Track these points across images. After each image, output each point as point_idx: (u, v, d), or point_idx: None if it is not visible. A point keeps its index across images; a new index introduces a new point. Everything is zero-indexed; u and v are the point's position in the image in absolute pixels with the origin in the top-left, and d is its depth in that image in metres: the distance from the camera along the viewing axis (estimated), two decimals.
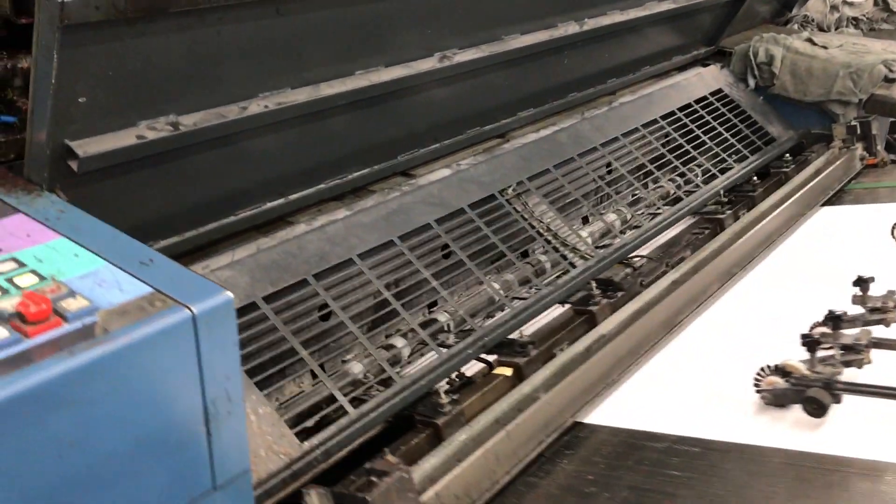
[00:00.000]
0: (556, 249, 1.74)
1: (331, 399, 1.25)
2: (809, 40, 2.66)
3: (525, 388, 1.36)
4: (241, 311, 1.30)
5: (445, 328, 1.50)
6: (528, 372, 1.41)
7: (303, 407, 1.23)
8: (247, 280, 1.34)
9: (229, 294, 0.82)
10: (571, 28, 1.90)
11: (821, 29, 3.31)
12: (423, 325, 1.45)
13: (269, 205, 1.46)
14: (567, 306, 1.64)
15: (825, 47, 2.61)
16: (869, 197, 2.18)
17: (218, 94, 1.21)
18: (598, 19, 2.00)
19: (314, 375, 1.32)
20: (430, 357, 1.41)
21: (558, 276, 1.66)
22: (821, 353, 1.25)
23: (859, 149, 2.43)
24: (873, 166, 2.40)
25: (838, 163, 2.35)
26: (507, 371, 1.43)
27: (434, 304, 1.58)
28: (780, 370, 1.23)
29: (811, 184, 2.21)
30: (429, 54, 1.57)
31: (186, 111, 1.17)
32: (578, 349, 1.46)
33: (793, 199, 2.11)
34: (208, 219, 1.37)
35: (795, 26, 3.14)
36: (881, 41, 2.76)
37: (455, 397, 1.31)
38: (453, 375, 1.39)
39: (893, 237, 1.76)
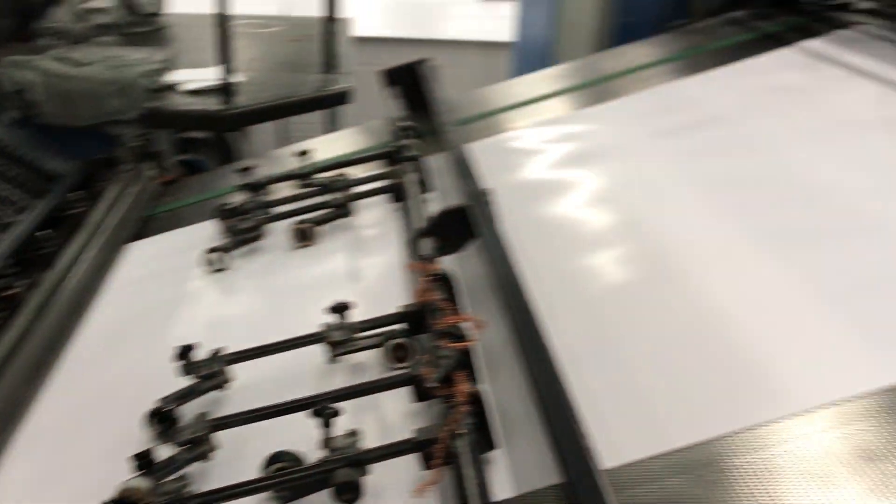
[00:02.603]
0: None
1: None
2: (64, 59, 2.41)
3: None
4: None
5: None
6: None
7: None
8: None
9: None
10: None
11: (77, 42, 3.07)
12: None
13: None
14: None
15: (84, 64, 2.39)
16: (174, 220, 2.07)
17: None
18: None
19: None
20: None
21: None
22: (171, 453, 1.06)
23: (151, 168, 2.30)
24: (170, 183, 2.31)
25: (133, 189, 2.19)
26: None
27: None
28: (125, 500, 1.00)
29: (110, 220, 2.00)
30: None
31: None
32: None
33: (92, 245, 1.87)
34: None
35: (47, 42, 2.85)
36: (142, 50, 2.67)
37: None
38: None
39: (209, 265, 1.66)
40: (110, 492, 1.02)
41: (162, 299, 1.63)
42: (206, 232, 1.82)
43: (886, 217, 1.37)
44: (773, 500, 0.86)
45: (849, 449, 0.91)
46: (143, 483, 1.02)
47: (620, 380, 1.09)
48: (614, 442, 0.96)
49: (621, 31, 2.59)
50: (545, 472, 0.94)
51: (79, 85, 2.28)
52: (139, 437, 1.15)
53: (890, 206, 1.39)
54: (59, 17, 3.11)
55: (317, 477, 0.98)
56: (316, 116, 3.27)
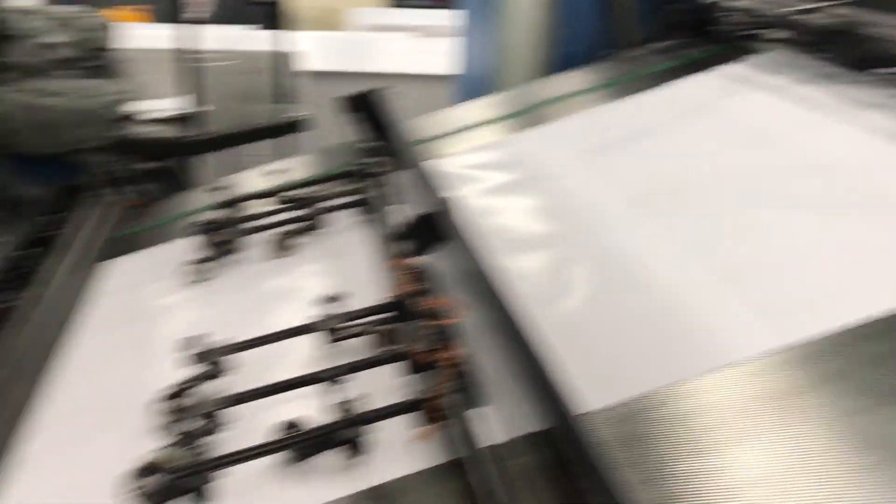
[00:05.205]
0: None
1: None
2: (38, 90, 2.50)
3: None
4: None
5: None
6: None
7: None
8: None
9: None
10: None
11: (34, 75, 3.14)
12: None
13: None
14: None
15: (58, 94, 2.49)
16: (145, 240, 2.17)
17: None
18: None
19: None
20: None
21: None
22: (183, 430, 1.18)
23: (120, 193, 2.41)
24: (137, 207, 2.41)
25: (102, 213, 2.29)
26: None
27: None
28: (153, 467, 1.12)
29: (81, 241, 2.10)
30: None
31: None
32: None
33: (67, 264, 1.96)
34: None
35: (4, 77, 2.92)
36: (100, 82, 2.77)
37: None
38: None
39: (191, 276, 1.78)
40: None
41: (146, 309, 1.74)
42: (181, 248, 1.93)
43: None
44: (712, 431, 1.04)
45: (770, 392, 1.09)
46: (167, 452, 1.14)
47: (584, 347, 1.27)
48: (582, 393, 1.13)
49: (558, 62, 2.81)
50: (528, 421, 1.09)
51: (53, 115, 2.38)
52: (141, 434, 1.26)
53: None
54: (15, 52, 3.19)
55: (323, 437, 1.11)
56: (264, 146, 3.40)
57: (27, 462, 1.32)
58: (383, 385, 1.24)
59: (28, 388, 1.52)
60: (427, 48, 5.26)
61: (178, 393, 1.27)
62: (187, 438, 1.17)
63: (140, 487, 1.11)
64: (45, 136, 2.38)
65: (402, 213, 1.86)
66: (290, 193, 1.97)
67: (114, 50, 3.58)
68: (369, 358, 1.24)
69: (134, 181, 2.47)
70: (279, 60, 3.43)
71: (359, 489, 1.11)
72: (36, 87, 2.56)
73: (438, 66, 4.55)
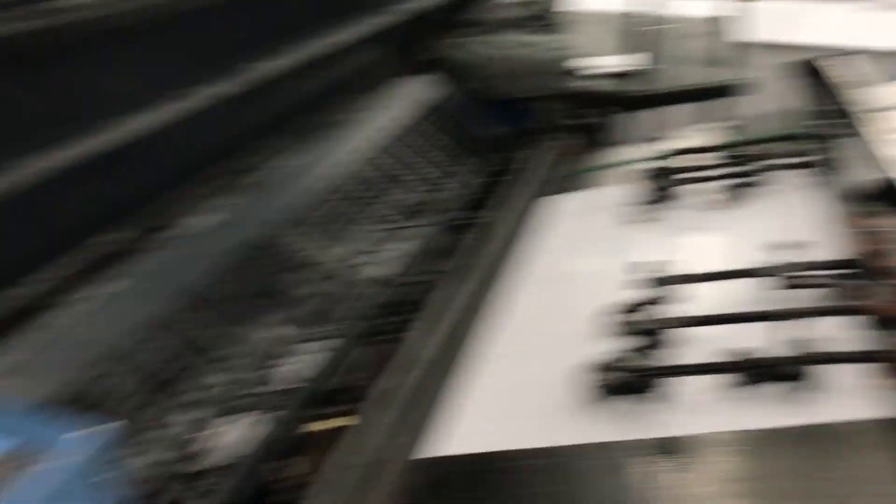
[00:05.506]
0: (336, 284, 1.65)
1: None
2: (497, 43, 2.85)
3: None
4: None
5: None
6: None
7: None
8: None
9: None
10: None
11: (489, 31, 3.54)
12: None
13: None
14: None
15: (514, 47, 2.81)
16: (582, 183, 2.37)
17: None
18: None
19: None
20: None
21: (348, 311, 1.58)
22: (637, 340, 1.32)
23: (568, 139, 2.66)
24: (578, 153, 2.63)
25: (549, 155, 2.55)
26: (333, 423, 1.33)
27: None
28: (611, 366, 1.28)
29: (532, 177, 2.36)
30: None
31: None
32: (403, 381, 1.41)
33: (521, 195, 2.24)
34: None
35: (476, 30, 3.34)
36: (556, 38, 3.04)
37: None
38: None
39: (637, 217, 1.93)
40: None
41: (591, 239, 1.93)
42: (620, 192, 2.09)
43: None
44: None
45: None
46: (629, 354, 1.29)
47: None
48: None
49: None
50: None
51: (520, 64, 2.70)
52: (590, 339, 1.42)
53: None
54: (479, 10, 3.64)
55: (774, 368, 1.17)
56: (690, 107, 3.44)
57: (493, 355, 1.56)
58: (835, 334, 1.25)
59: (490, 291, 1.79)
60: (873, 21, 4.82)
61: (632, 309, 1.41)
62: (640, 348, 1.31)
63: (599, 380, 1.28)
64: (507, 83, 2.69)
65: (855, 177, 1.81)
66: (735, 150, 2.01)
67: (560, 11, 3.90)
68: (830, 306, 1.26)
69: (577, 129, 2.70)
70: (718, 27, 3.44)
71: (802, 423, 1.15)
72: (495, 41, 2.91)
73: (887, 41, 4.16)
